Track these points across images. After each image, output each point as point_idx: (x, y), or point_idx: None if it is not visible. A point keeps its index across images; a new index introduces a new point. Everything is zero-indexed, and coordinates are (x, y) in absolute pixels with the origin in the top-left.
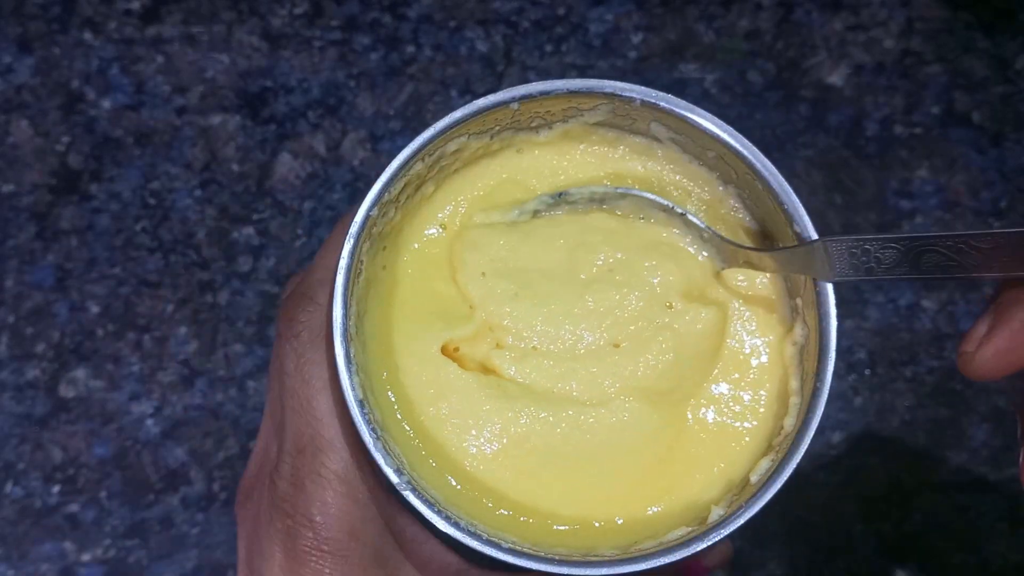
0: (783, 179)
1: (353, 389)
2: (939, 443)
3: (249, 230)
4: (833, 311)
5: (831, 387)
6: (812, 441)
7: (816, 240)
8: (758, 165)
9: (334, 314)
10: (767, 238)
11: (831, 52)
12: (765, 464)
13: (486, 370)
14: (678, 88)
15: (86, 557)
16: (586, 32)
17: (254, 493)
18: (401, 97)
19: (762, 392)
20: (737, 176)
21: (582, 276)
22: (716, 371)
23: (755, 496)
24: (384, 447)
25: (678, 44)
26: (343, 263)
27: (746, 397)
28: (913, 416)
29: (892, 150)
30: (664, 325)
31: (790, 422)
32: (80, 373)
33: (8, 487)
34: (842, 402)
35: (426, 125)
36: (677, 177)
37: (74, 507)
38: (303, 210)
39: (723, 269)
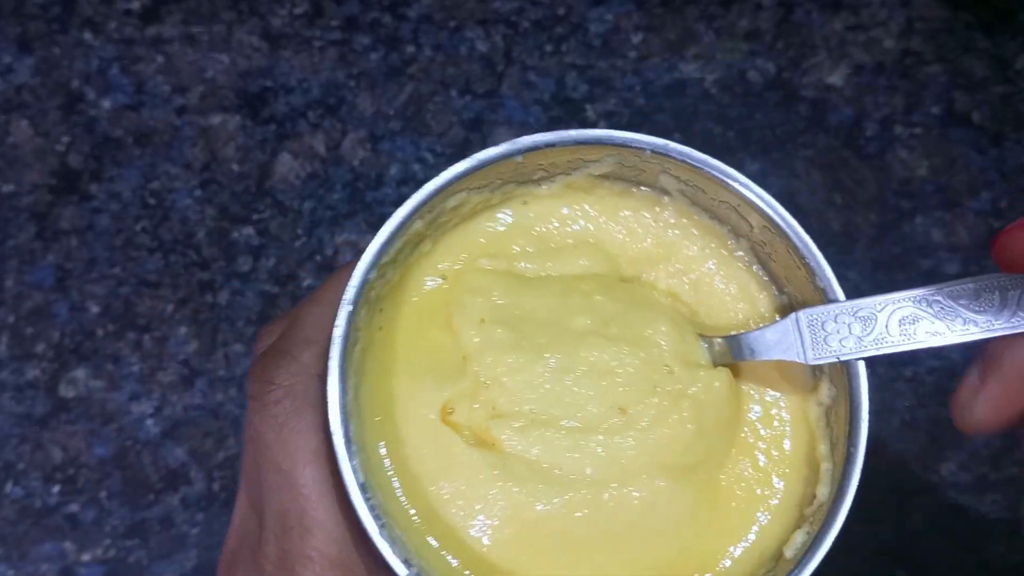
0: (803, 232)
1: (354, 472)
2: (939, 443)
3: (249, 230)
4: (863, 369)
5: (866, 454)
6: None
7: (791, 315)
8: (776, 217)
9: (330, 390)
10: (783, 294)
11: (831, 52)
12: (800, 537)
13: (484, 442)
14: (678, 88)
15: (86, 557)
16: (586, 32)
17: (238, 571)
18: (401, 97)
19: (788, 459)
20: (752, 229)
21: (575, 326)
22: (738, 439)
23: (794, 572)
24: (389, 535)
25: (678, 44)
26: (339, 332)
27: (771, 466)
28: (913, 416)
29: (892, 150)
30: (678, 392)
31: (823, 491)
32: (80, 373)
33: (8, 487)
34: None
35: (426, 125)
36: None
37: (74, 507)
38: (303, 210)
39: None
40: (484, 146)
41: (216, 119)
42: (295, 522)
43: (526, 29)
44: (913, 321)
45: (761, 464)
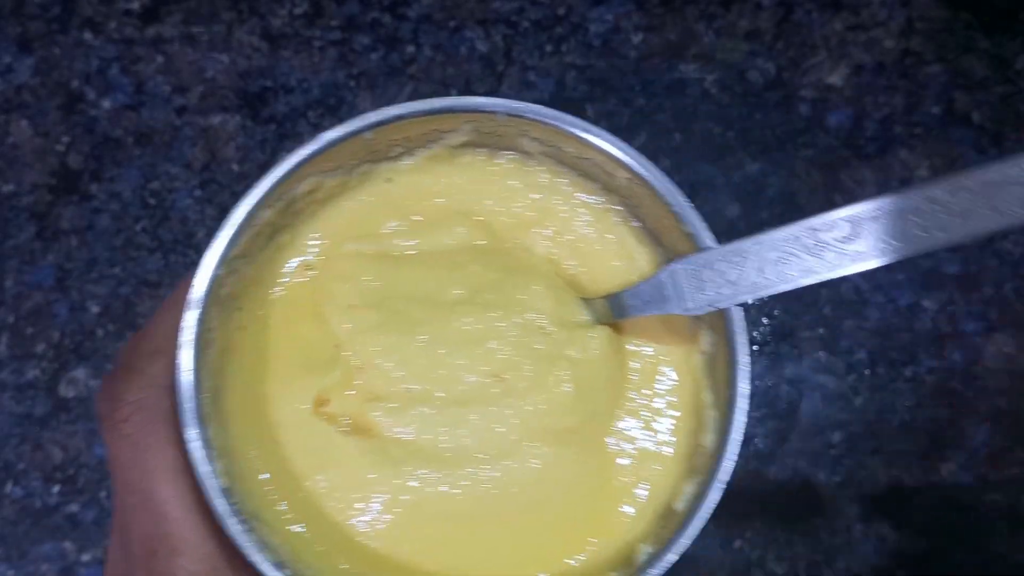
0: (668, 180)
1: (214, 478)
2: (939, 443)
3: None
4: (738, 314)
5: (753, 392)
6: (811, 441)
7: (668, 266)
8: (639, 168)
9: (181, 395)
10: (662, 248)
11: (831, 52)
12: (690, 489)
13: (362, 430)
14: (678, 88)
15: (86, 557)
16: (586, 32)
17: None
18: (401, 97)
19: (675, 411)
20: (620, 183)
21: (449, 298)
22: (624, 396)
23: (683, 526)
24: (259, 539)
25: (678, 44)
26: (186, 336)
27: (659, 418)
28: (913, 416)
29: (892, 150)
30: (555, 355)
31: (710, 439)
32: (80, 373)
33: (8, 487)
34: (842, 402)
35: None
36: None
37: (74, 507)
38: None
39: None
40: None
41: (216, 119)
42: (159, 544)
43: (526, 29)
44: (785, 260)
45: (647, 419)
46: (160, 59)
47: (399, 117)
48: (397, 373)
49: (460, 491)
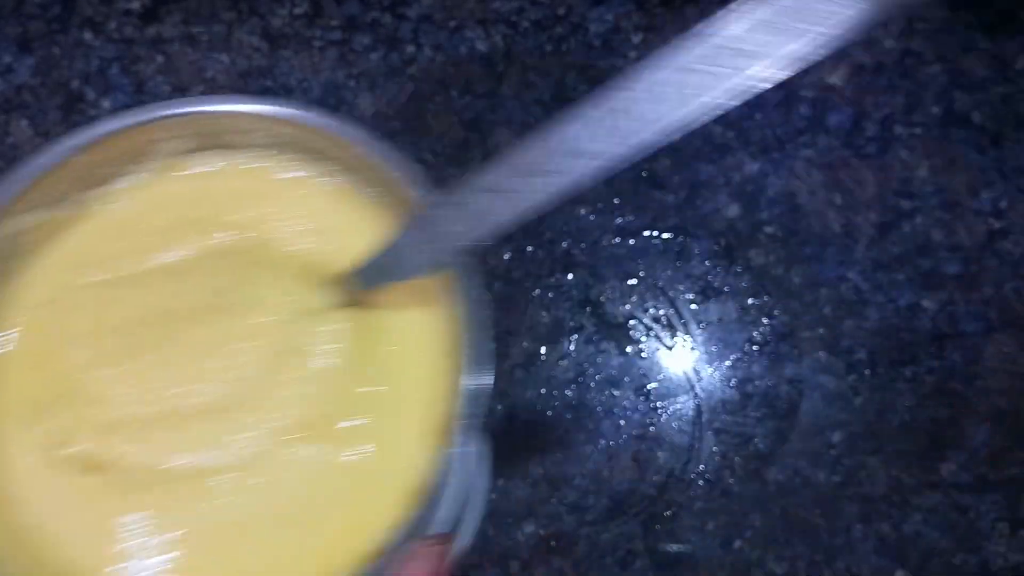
0: (389, 147)
1: None
2: (939, 443)
3: None
4: (465, 267)
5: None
6: (811, 441)
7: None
8: (357, 140)
9: None
10: (399, 213)
11: (831, 52)
12: (441, 457)
13: (101, 467)
14: None
15: None
16: (586, 32)
17: None
18: (401, 97)
19: (426, 382)
20: (352, 161)
21: (185, 311)
22: (375, 376)
23: (435, 493)
24: None
25: None
26: None
27: (411, 393)
28: (913, 416)
29: (892, 150)
30: (292, 349)
31: (457, 403)
32: None
33: None
34: (842, 402)
35: (426, 125)
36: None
37: None
38: None
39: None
40: (484, 147)
41: None
42: None
43: (526, 29)
44: (493, 202)
45: (402, 394)
46: (160, 59)
47: (92, 141)
48: (131, 399)
49: (216, 511)
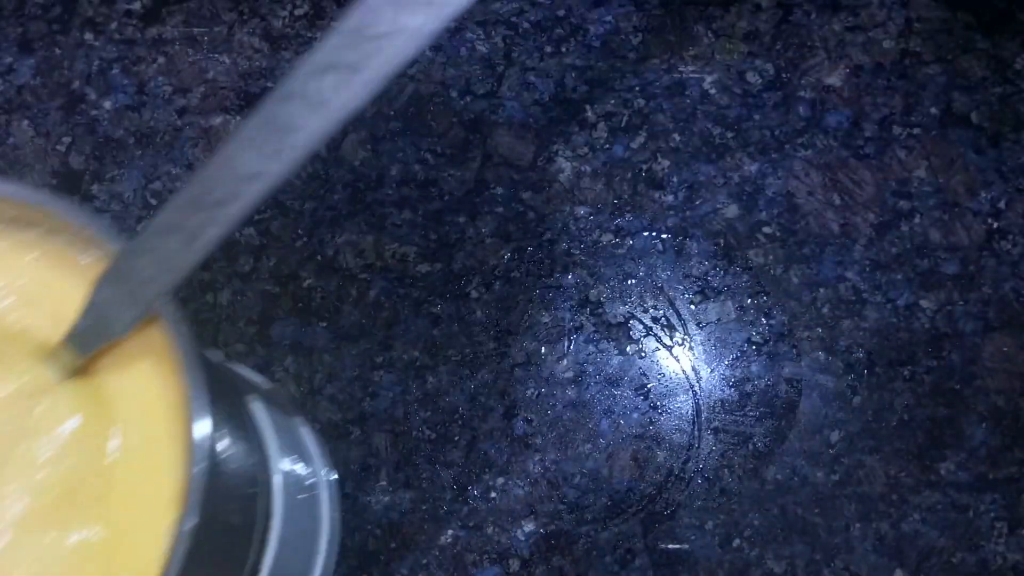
0: (75, 206)
1: None
2: (938, 443)
3: (250, 230)
4: (172, 314)
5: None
6: (810, 440)
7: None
8: (38, 201)
9: None
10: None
11: (830, 53)
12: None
13: None
14: (677, 88)
15: None
16: (586, 33)
17: None
18: (401, 98)
19: (167, 441)
20: (55, 223)
21: None
22: (100, 451)
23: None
24: None
25: (677, 45)
26: None
27: (152, 454)
28: (912, 415)
29: (891, 150)
30: (11, 434)
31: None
32: None
33: None
34: (841, 402)
35: (426, 125)
36: None
37: None
38: (304, 210)
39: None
40: (484, 147)
41: (217, 120)
42: None
43: (526, 30)
44: (168, 239)
45: (136, 465)
46: (161, 60)
47: None
48: None
49: None
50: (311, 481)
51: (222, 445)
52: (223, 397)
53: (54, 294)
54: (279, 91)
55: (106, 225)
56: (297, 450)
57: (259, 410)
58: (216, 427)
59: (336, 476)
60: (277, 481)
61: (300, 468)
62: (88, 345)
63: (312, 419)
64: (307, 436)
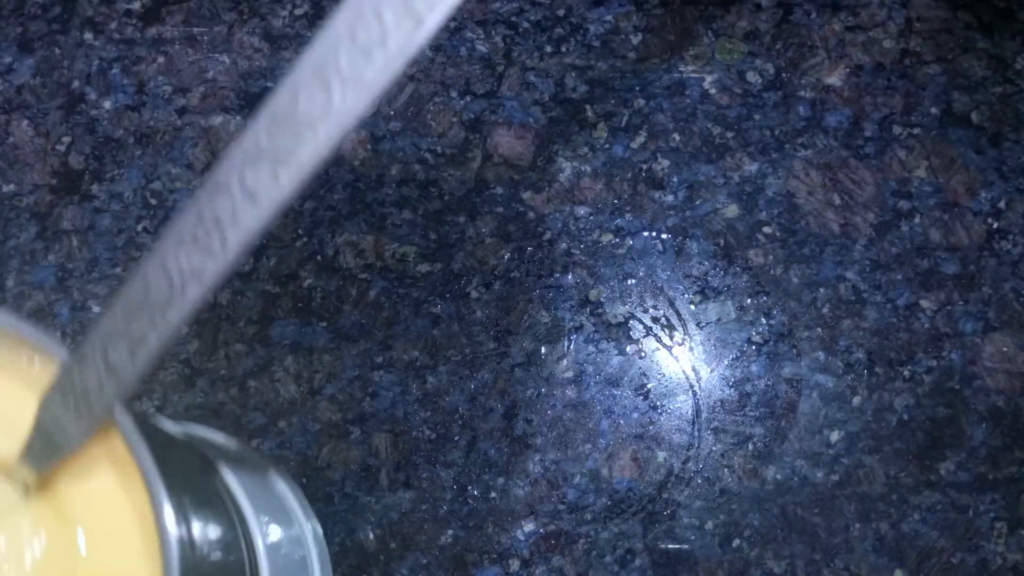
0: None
1: None
2: (938, 442)
3: None
4: (125, 420)
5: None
6: (809, 440)
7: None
8: None
9: None
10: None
11: (830, 53)
12: None
13: None
14: (677, 88)
15: None
16: (586, 33)
17: None
18: (401, 97)
19: (136, 552)
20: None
21: None
22: (69, 570)
23: None
24: None
25: (677, 45)
26: None
27: (125, 563)
28: (911, 415)
29: (891, 150)
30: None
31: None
32: None
33: None
34: (840, 402)
35: (426, 125)
36: None
37: None
38: (304, 210)
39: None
40: (484, 147)
41: (217, 120)
42: None
43: (526, 30)
44: (126, 335)
45: (118, 567)
46: (161, 60)
47: None
48: None
49: None
50: (296, 536)
51: (197, 530)
52: (191, 481)
53: (8, 409)
54: (210, 182)
55: (49, 338)
56: (277, 509)
57: (231, 479)
58: (187, 518)
59: (320, 529)
60: (260, 546)
61: (283, 528)
62: (43, 462)
63: (312, 419)
64: (286, 491)
